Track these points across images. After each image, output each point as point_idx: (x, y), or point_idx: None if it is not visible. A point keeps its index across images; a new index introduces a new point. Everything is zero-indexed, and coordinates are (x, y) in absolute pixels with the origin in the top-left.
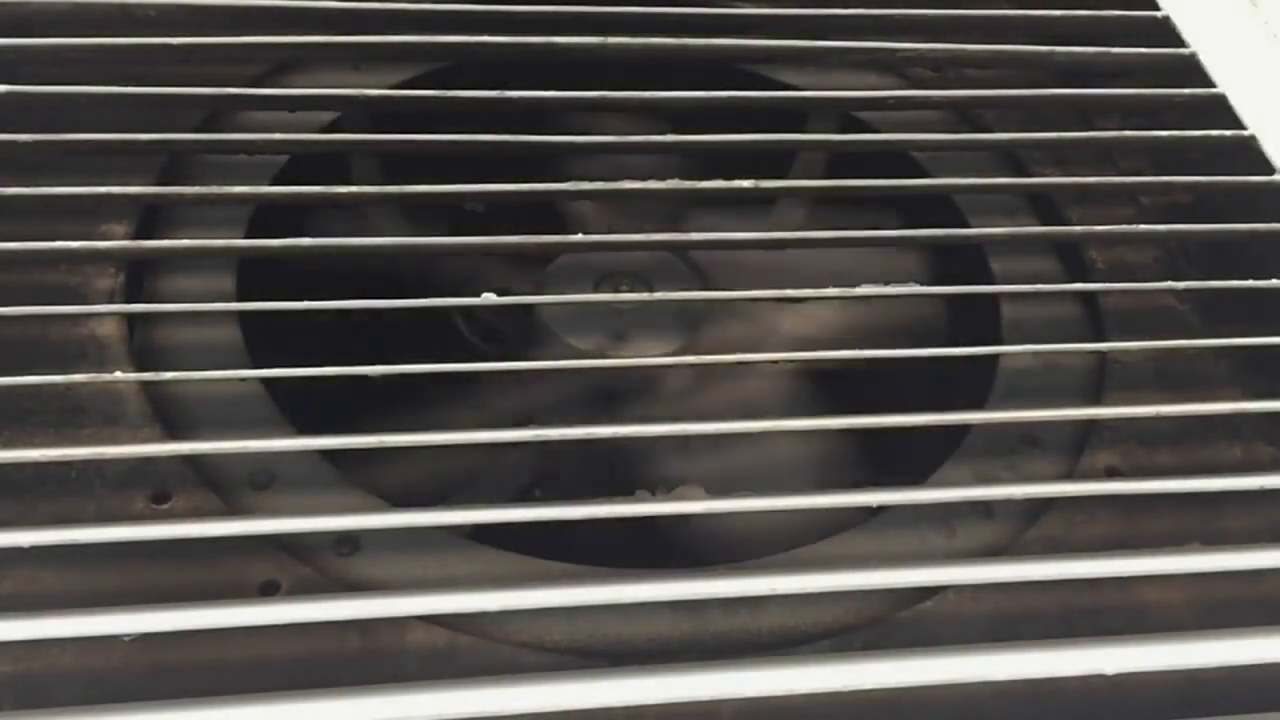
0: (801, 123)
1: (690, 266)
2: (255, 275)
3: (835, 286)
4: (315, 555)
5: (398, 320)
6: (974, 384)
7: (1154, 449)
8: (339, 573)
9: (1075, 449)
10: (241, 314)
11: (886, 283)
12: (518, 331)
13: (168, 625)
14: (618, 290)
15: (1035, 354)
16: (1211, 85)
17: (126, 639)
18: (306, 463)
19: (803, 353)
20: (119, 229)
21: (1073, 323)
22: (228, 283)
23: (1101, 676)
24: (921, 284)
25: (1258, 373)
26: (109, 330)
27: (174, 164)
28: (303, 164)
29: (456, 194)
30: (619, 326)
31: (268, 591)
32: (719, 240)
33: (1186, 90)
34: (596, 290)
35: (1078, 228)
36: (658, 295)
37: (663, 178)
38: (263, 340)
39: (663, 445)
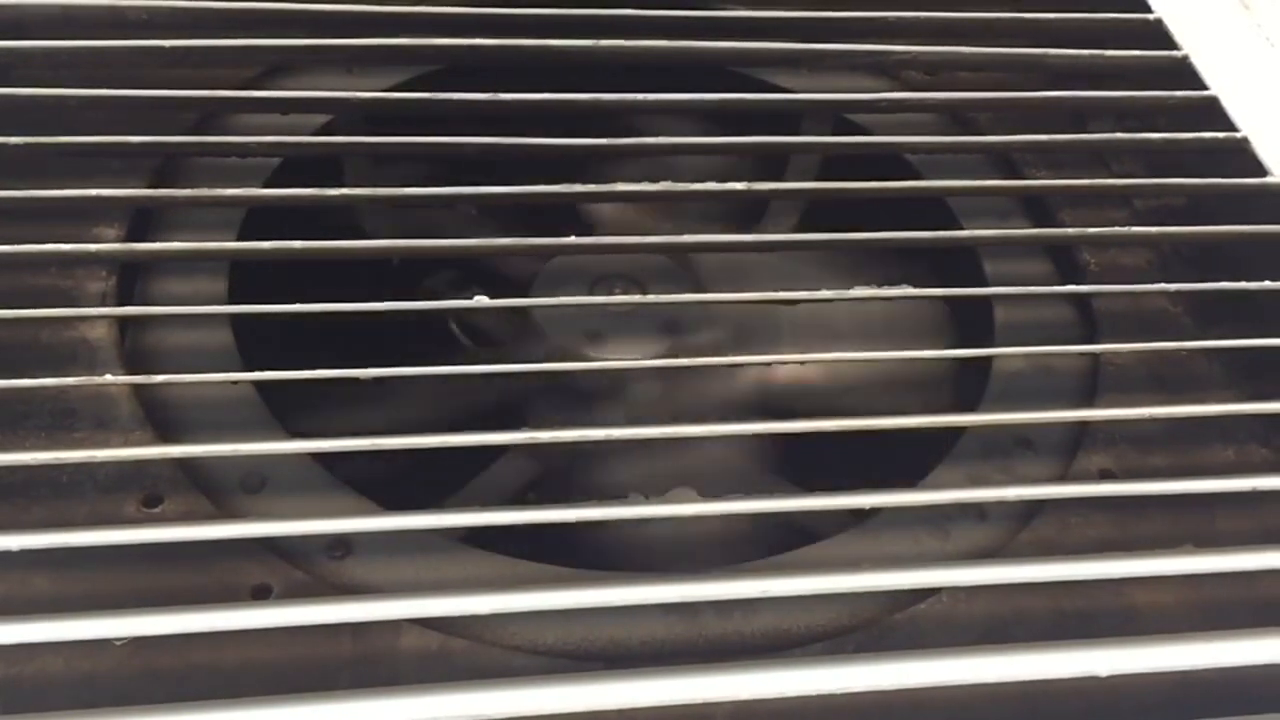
0: (795, 125)
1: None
2: (248, 278)
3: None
4: (307, 559)
5: (390, 320)
6: (968, 387)
7: (1147, 451)
8: (331, 576)
9: (1069, 451)
10: (234, 318)
11: (883, 286)
12: (511, 332)
13: (160, 629)
14: (611, 292)
15: (1028, 356)
16: (1204, 88)
17: (118, 643)
18: (298, 466)
19: (793, 354)
20: (111, 232)
21: (1066, 325)
22: (220, 286)
23: (1095, 678)
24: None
25: (1251, 374)
26: (101, 333)
27: (166, 167)
28: (295, 167)
29: (449, 195)
30: (613, 328)
31: (260, 595)
32: (713, 242)
33: (1179, 93)
34: (592, 292)
35: (1071, 230)
36: (651, 298)
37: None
38: (255, 344)
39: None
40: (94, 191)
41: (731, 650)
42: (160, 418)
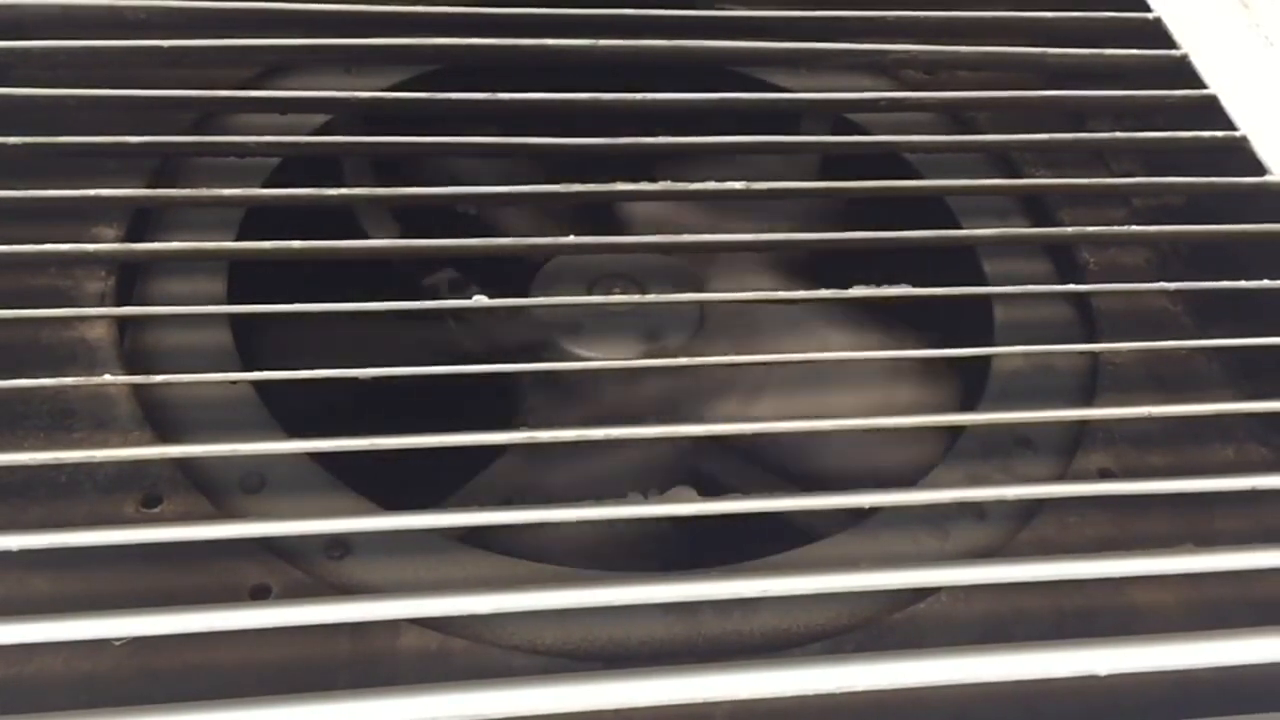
0: (794, 125)
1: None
2: (247, 279)
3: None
4: (306, 559)
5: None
6: (967, 385)
7: (1146, 450)
8: (330, 576)
9: (1068, 450)
10: (233, 318)
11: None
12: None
13: (159, 629)
14: (611, 292)
15: (1028, 355)
16: (1203, 86)
17: (117, 643)
18: (297, 466)
19: (796, 355)
20: (109, 232)
21: (1065, 324)
22: (219, 286)
23: (1094, 677)
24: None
25: (1250, 374)
26: (99, 333)
27: (165, 167)
28: (294, 166)
29: (447, 195)
30: (612, 328)
31: (259, 595)
32: (711, 242)
33: (1178, 92)
34: (591, 292)
35: (1070, 229)
36: (651, 297)
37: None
38: (254, 344)
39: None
40: (93, 191)
41: (730, 650)
42: (159, 418)
